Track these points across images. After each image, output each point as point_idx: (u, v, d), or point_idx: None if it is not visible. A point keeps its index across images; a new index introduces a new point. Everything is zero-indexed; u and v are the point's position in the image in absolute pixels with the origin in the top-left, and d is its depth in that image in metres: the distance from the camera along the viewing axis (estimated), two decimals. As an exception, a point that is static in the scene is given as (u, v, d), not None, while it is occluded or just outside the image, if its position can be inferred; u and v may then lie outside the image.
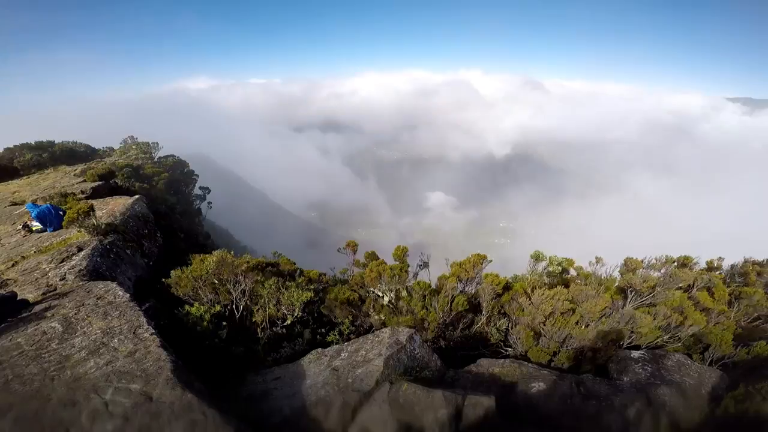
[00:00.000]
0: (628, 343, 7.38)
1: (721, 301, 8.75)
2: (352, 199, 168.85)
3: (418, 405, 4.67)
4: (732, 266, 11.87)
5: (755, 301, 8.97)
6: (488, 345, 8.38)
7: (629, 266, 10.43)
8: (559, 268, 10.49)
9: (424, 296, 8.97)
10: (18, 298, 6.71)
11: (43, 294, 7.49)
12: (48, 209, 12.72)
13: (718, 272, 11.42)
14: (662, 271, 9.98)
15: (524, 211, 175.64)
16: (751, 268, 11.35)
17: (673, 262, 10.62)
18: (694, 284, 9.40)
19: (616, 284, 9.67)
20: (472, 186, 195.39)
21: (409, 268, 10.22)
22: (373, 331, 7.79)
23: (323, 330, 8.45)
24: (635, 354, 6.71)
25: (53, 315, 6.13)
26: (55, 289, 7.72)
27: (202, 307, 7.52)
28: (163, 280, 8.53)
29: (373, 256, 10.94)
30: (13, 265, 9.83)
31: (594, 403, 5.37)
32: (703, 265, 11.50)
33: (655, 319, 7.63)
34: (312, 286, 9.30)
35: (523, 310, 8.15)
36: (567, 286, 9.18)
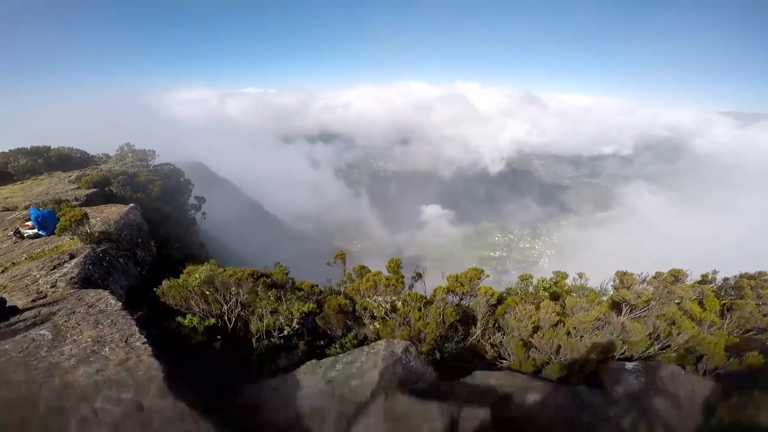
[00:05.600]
0: (621, 354, 7.38)
1: (712, 312, 8.80)
2: (346, 212, 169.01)
3: (413, 417, 4.63)
4: (725, 279, 11.95)
5: (747, 312, 9.03)
6: (483, 357, 8.34)
7: (624, 282, 10.48)
8: (546, 294, 10.50)
9: (420, 308, 8.94)
10: (7, 305, 6.61)
11: (33, 301, 7.39)
12: (50, 213, 12.67)
13: (711, 285, 11.49)
14: (657, 286, 10.03)
15: (520, 225, 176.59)
16: (746, 282, 11.42)
17: (664, 275, 10.68)
18: (687, 297, 9.46)
19: (608, 297, 9.71)
20: (468, 200, 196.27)
21: (404, 280, 10.22)
22: (368, 343, 7.73)
23: (320, 342, 8.40)
24: (629, 365, 6.71)
25: (43, 322, 6.04)
26: (46, 296, 7.62)
27: (194, 318, 7.44)
28: (154, 289, 8.45)
29: (364, 270, 10.94)
30: (2, 272, 9.72)
31: (589, 414, 5.34)
32: (696, 278, 11.58)
33: (644, 325, 7.66)
34: (302, 294, 9.27)
35: (513, 324, 8.16)
36: (558, 299, 9.21)
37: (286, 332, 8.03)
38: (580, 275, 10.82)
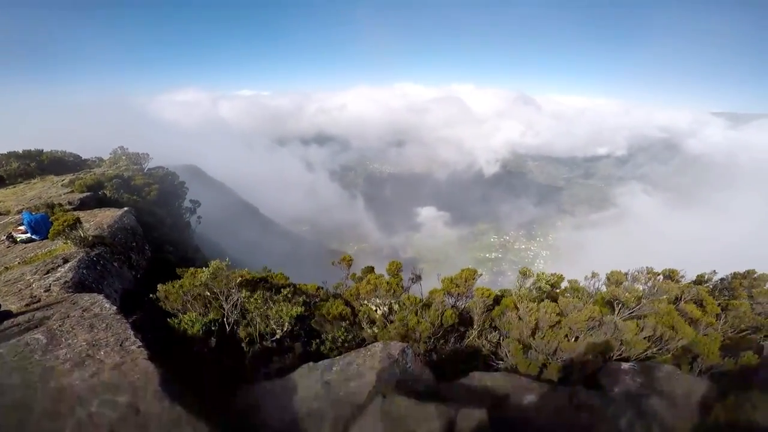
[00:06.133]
0: (618, 355, 7.42)
1: (710, 314, 8.88)
2: (342, 214, 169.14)
3: (410, 418, 4.62)
4: (721, 279, 12.06)
5: (741, 312, 9.12)
6: (480, 358, 8.36)
7: (612, 279, 10.55)
8: (548, 286, 10.55)
9: (417, 310, 8.95)
10: (0, 309, 6.56)
11: (27, 305, 7.33)
12: (42, 218, 12.61)
13: (706, 285, 11.58)
14: (648, 284, 10.10)
15: (515, 226, 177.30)
16: (738, 282, 11.53)
17: (659, 275, 10.76)
18: (681, 296, 9.53)
19: (599, 295, 9.76)
20: (463, 202, 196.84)
21: (403, 283, 10.25)
22: (365, 345, 7.72)
23: (315, 342, 8.37)
24: (625, 366, 6.74)
25: (37, 326, 5.99)
26: (40, 301, 7.56)
27: (193, 313, 7.43)
28: (151, 295, 8.40)
29: (369, 270, 10.98)
30: (-4, 276, 9.63)
31: (586, 415, 5.36)
32: (691, 278, 11.67)
33: (643, 330, 7.70)
34: (301, 299, 9.23)
35: (512, 324, 8.17)
36: (555, 299, 9.24)
37: (278, 335, 8.01)
38: (593, 275, 10.80)
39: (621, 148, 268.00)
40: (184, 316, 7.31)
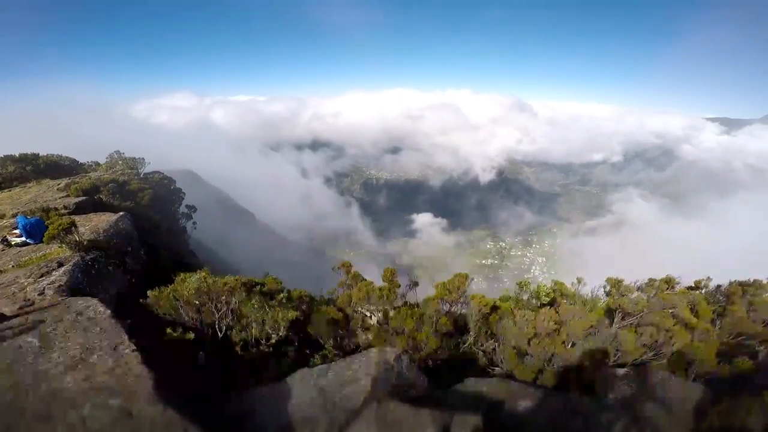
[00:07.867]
0: (614, 361, 7.43)
1: (705, 320, 8.90)
2: (338, 220, 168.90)
3: (405, 424, 4.61)
4: (718, 286, 12.10)
5: (737, 318, 9.16)
6: (476, 364, 8.35)
7: (618, 288, 10.58)
8: (547, 299, 10.57)
9: (412, 317, 8.94)
10: (-7, 313, 6.51)
11: (20, 308, 7.27)
12: (37, 222, 12.53)
13: (702, 291, 11.62)
14: (650, 294, 10.14)
15: (511, 233, 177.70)
16: (735, 289, 11.56)
17: (656, 282, 10.80)
18: (678, 303, 9.57)
19: (603, 304, 9.79)
20: (459, 208, 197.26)
21: (398, 289, 10.22)
22: (360, 351, 7.70)
23: (309, 351, 8.35)
24: (620, 371, 6.75)
25: (30, 330, 5.94)
26: (33, 304, 7.50)
27: (174, 333, 7.29)
28: (141, 300, 8.35)
29: (358, 277, 10.95)
30: (-11, 280, 9.54)
31: (581, 420, 5.36)
32: (688, 284, 11.70)
33: (641, 336, 7.72)
34: (293, 304, 9.20)
35: (508, 331, 8.17)
36: (553, 305, 9.26)
37: (273, 340, 7.97)
38: (579, 280, 10.88)
39: (616, 154, 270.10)
40: (172, 332, 7.22)
